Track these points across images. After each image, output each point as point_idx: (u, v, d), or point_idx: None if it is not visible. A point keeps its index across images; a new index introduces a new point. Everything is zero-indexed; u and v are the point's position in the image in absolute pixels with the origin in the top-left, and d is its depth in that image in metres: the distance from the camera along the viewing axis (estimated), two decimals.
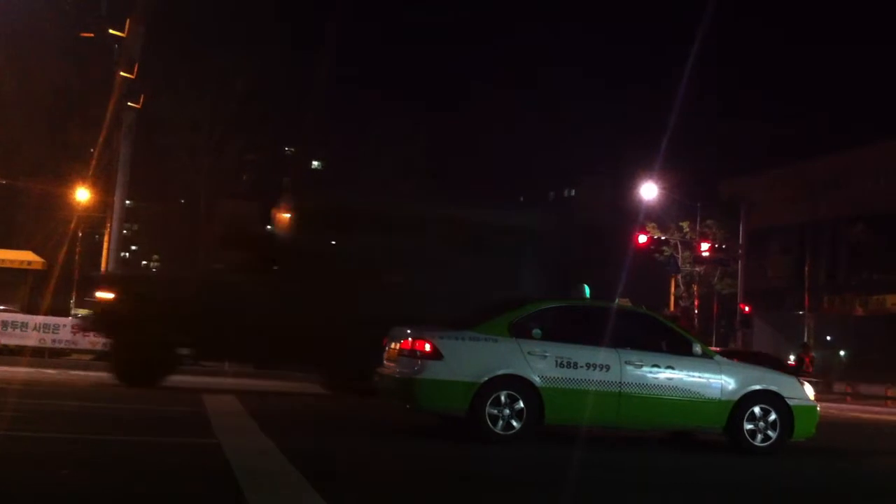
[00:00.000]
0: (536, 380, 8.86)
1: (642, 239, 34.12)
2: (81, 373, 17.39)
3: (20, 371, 16.17)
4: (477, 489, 6.53)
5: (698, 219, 34.57)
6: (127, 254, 61.47)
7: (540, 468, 7.83)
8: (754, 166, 39.42)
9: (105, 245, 35.70)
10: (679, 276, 35.64)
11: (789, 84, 48.93)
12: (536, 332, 9.14)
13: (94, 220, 39.47)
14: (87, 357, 23.45)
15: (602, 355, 9.08)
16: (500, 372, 8.86)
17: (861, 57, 42.77)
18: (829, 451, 10.75)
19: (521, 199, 79.14)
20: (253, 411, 10.42)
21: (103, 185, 36.13)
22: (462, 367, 8.81)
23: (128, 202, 36.14)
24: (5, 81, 33.42)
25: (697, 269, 35.47)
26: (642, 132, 51.71)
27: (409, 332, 9.20)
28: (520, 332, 9.11)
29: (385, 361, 9.75)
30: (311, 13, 74.94)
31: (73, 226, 37.89)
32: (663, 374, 9.24)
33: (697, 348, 9.52)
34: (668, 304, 35.59)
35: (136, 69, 24.48)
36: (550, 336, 9.15)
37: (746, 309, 35.94)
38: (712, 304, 39.06)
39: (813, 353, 26.21)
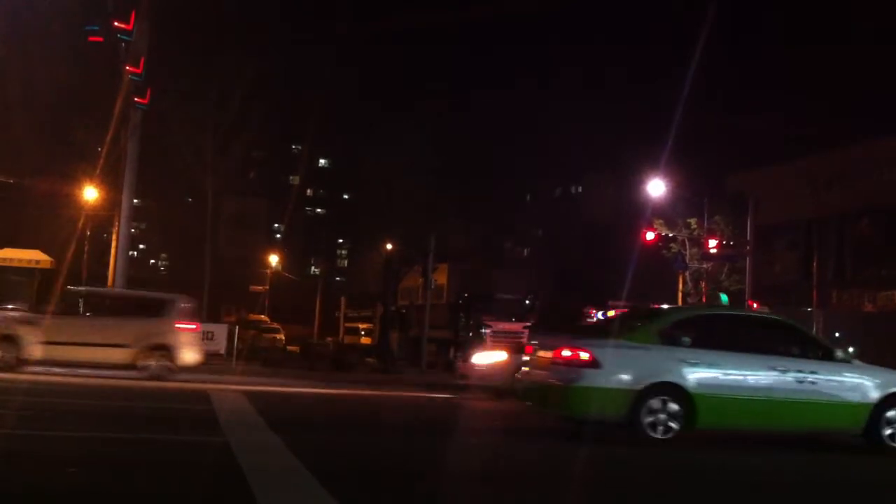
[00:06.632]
0: (690, 386, 9.02)
1: (650, 236, 33.95)
2: (91, 372, 17.42)
3: (28, 370, 16.18)
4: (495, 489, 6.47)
5: (706, 215, 34.38)
6: (135, 252, 61.58)
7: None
8: (761, 161, 39.17)
9: (113, 244, 35.68)
10: (687, 273, 35.43)
11: (797, 78, 48.71)
12: (685, 339, 9.35)
13: (102, 219, 39.50)
14: None
15: (750, 362, 9.33)
16: (656, 379, 9.03)
17: (868, 52, 42.52)
18: None
19: (528, 197, 79.20)
20: (261, 409, 10.41)
21: (111, 184, 36.17)
22: (620, 374, 9.02)
23: (135, 201, 36.16)
24: (10, 80, 33.46)
25: (705, 265, 35.26)
26: (649, 128, 51.52)
27: (565, 340, 9.34)
28: (669, 339, 9.34)
29: (531, 368, 9.99)
30: (315, 12, 74.77)
31: (81, 224, 37.94)
32: (807, 380, 9.39)
33: (838, 353, 9.79)
34: (676, 302, 35.45)
35: (142, 64, 24.45)
36: (697, 343, 9.36)
37: (755, 305, 35.72)
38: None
39: None
